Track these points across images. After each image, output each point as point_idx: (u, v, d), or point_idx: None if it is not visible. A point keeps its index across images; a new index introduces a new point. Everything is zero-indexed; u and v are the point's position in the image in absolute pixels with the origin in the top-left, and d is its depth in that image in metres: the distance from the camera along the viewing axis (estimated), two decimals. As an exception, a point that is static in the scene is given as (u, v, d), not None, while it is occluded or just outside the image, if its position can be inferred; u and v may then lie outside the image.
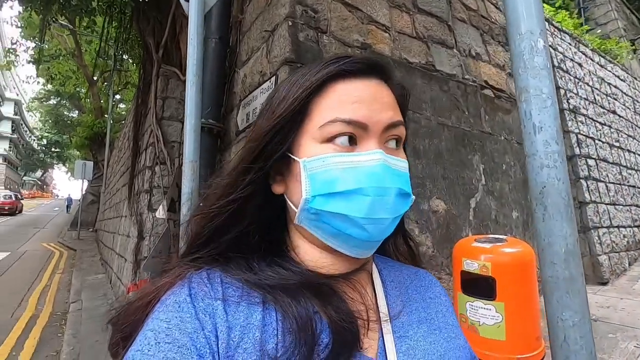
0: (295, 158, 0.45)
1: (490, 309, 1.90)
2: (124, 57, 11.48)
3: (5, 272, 6.93)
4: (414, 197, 0.48)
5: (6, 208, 20.92)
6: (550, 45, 3.91)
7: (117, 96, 15.75)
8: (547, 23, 3.94)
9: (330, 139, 0.43)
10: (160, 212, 2.43)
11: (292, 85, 0.46)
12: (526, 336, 1.88)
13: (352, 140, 0.44)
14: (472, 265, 1.97)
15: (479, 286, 1.94)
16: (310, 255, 0.48)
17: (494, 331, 1.89)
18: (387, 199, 0.43)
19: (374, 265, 0.53)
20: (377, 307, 0.48)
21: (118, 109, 18.66)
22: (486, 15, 3.78)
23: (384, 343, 0.45)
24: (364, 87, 0.45)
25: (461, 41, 3.36)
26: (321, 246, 0.47)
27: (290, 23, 2.12)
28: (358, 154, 0.43)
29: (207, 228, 0.47)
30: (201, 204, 0.52)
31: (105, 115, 14.48)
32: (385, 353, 0.44)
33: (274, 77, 2.13)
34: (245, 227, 0.47)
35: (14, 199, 22.24)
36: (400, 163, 0.46)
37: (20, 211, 23.09)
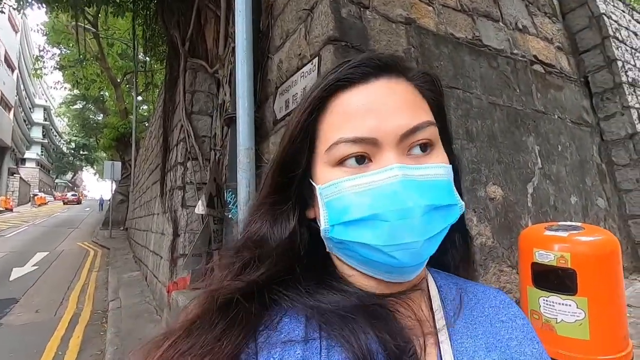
0: (314, 184, 0.41)
1: (570, 305, 1.70)
2: (145, 58, 11.65)
3: (46, 271, 7.18)
4: (462, 203, 0.41)
5: (75, 201, 36.04)
6: (603, 13, 3.56)
7: (139, 98, 16.07)
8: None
9: (340, 162, 0.39)
10: (200, 208, 2.34)
11: (299, 104, 0.43)
12: (612, 335, 1.67)
13: (364, 159, 0.38)
14: (546, 257, 1.76)
15: (555, 279, 1.74)
16: (354, 278, 0.43)
17: (575, 329, 1.69)
18: (412, 221, 0.36)
19: (431, 280, 0.47)
20: (435, 327, 0.42)
21: (141, 110, 19.05)
22: (531, -16, 3.48)
23: None
24: (370, 92, 0.40)
25: (507, 13, 3.09)
26: (361, 269, 0.43)
27: (331, -2, 1.95)
28: (372, 173, 0.38)
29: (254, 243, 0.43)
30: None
31: (130, 116, 14.78)
32: None
33: (316, 58, 1.97)
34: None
35: (77, 196, 38.65)
36: (432, 170, 0.39)
37: (80, 202, 37.45)
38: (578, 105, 3.40)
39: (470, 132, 2.35)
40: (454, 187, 0.41)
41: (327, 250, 0.44)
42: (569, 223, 1.92)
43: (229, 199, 2.18)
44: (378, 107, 0.39)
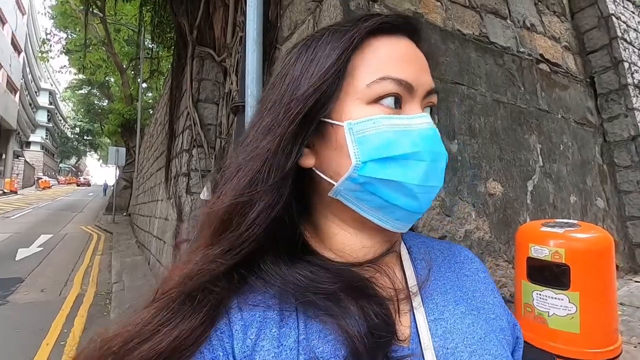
0: (337, 122, 0.40)
1: (562, 299, 1.75)
2: (150, 45, 11.62)
3: (51, 253, 7.30)
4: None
5: (86, 183, 46.44)
6: (612, 14, 3.55)
7: (144, 84, 16.09)
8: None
9: (376, 100, 0.39)
10: (205, 194, 2.39)
11: (323, 45, 0.41)
12: (603, 329, 1.72)
13: (398, 102, 0.40)
14: (541, 252, 1.81)
15: (549, 274, 1.79)
16: (338, 238, 0.43)
17: (566, 323, 1.74)
18: (440, 165, 0.40)
19: (402, 243, 0.49)
20: (408, 289, 0.43)
21: (146, 97, 19.08)
22: (541, -18, 3.46)
23: (417, 328, 0.41)
24: (406, 45, 0.41)
25: (515, 11, 3.09)
26: (354, 225, 0.43)
27: (341, -9, 1.97)
28: (411, 116, 0.40)
29: (237, 218, 0.38)
30: (225, 189, 0.41)
31: (135, 103, 14.81)
32: (419, 339, 0.40)
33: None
34: (276, 216, 0.39)
35: (87, 180, 49.73)
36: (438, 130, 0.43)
37: (90, 184, 47.17)
38: (582, 106, 3.41)
39: (473, 128, 2.38)
40: None
41: (331, 195, 0.41)
42: (565, 220, 1.96)
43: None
44: (415, 60, 0.41)
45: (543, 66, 3.15)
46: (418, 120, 0.40)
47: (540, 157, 2.78)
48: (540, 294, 1.82)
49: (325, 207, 0.44)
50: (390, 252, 0.45)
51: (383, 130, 0.38)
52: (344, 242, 0.43)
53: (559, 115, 3.11)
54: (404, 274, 0.46)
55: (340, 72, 0.39)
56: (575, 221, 1.91)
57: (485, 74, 2.59)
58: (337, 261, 0.42)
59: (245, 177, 0.39)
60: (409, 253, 0.48)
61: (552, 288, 1.76)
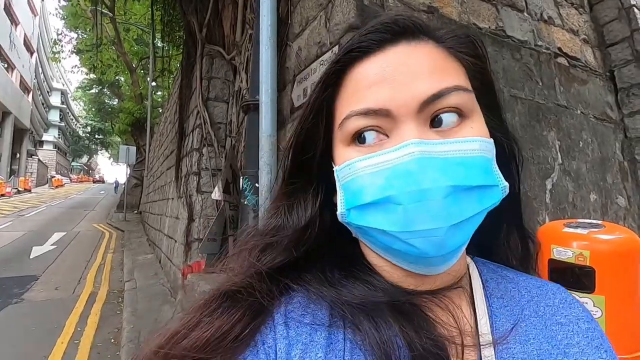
0: (333, 166, 0.39)
1: (587, 303, 1.66)
2: (159, 44, 11.68)
3: (64, 251, 7.41)
4: (505, 183, 0.35)
5: (101, 180, 51.82)
6: (634, 5, 3.42)
7: (154, 83, 16.22)
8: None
9: (353, 139, 0.36)
10: (216, 194, 2.37)
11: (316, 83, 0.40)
12: (630, 334, 1.65)
13: (379, 134, 0.35)
14: (564, 254, 1.73)
15: (572, 277, 1.72)
16: (382, 269, 0.40)
17: (591, 327, 1.67)
18: (431, 205, 0.31)
19: (475, 275, 0.41)
20: (477, 331, 0.37)
21: (155, 96, 19.23)
22: (559, -27, 3.35)
23: None
24: (385, 60, 0.36)
25: (532, 3, 3.00)
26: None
27: (354, -15, 1.92)
28: (385, 151, 0.34)
29: (278, 228, 0.42)
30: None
31: (145, 102, 14.94)
32: None
33: (336, 46, 1.96)
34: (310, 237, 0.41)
35: (102, 177, 57.34)
36: (460, 145, 0.33)
37: (104, 182, 52.33)
38: (602, 101, 3.30)
39: (490, 125, 2.31)
40: (495, 166, 0.36)
41: (354, 235, 0.41)
42: (588, 220, 1.88)
43: (245, 186, 2.21)
44: (393, 75, 0.35)
45: (561, 60, 3.05)
46: (394, 155, 0.33)
47: (559, 154, 2.69)
48: (562, 297, 1.75)
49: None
50: (453, 288, 0.38)
51: (358, 175, 0.35)
52: (390, 273, 0.39)
53: (578, 111, 3.01)
54: (475, 315, 0.38)
55: (317, 113, 0.39)
56: (599, 221, 1.84)
57: (502, 69, 2.52)
58: (392, 283, 0.38)
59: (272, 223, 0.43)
60: (483, 288, 0.41)
61: (576, 291, 1.69)
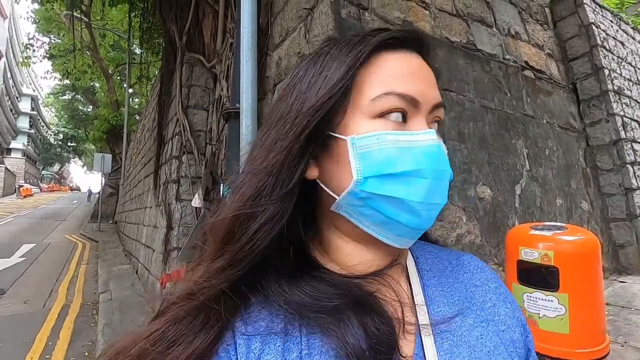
0: (341, 136, 0.40)
1: (552, 301, 1.78)
2: (137, 50, 11.49)
3: (34, 263, 7.08)
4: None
5: (76, 189, 51.88)
6: (592, 23, 3.68)
7: (130, 90, 15.88)
8: (586, -1, 3.70)
9: (381, 115, 0.39)
10: (196, 201, 2.37)
11: (330, 60, 0.41)
12: (591, 330, 1.76)
13: (403, 118, 0.40)
14: (531, 254, 1.84)
15: (539, 276, 1.83)
16: (342, 250, 0.44)
17: (556, 324, 1.78)
18: (443, 183, 0.40)
19: (409, 254, 0.48)
20: (414, 302, 0.43)
21: (132, 103, 18.80)
22: (524, -8, 3.57)
23: (422, 341, 0.40)
24: (412, 60, 0.42)
25: (500, 19, 3.18)
26: (357, 239, 0.43)
27: (332, -1, 2.00)
28: (415, 132, 0.39)
29: (240, 231, 0.39)
30: (231, 201, 0.42)
31: (122, 108, 14.59)
32: (424, 354, 0.39)
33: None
34: (280, 229, 0.39)
35: (77, 186, 57.68)
36: (444, 145, 0.43)
37: (80, 190, 51.65)
38: (566, 111, 3.51)
39: (462, 133, 2.43)
40: None
41: (333, 210, 0.42)
42: (553, 223, 2.01)
43: (226, 193, 2.22)
44: (420, 75, 0.41)
45: (528, 73, 3.24)
46: (423, 137, 0.39)
47: (527, 161, 2.84)
48: (530, 296, 1.85)
49: (328, 219, 0.44)
50: (395, 265, 0.44)
51: (386, 146, 0.38)
52: (348, 255, 0.43)
53: (544, 121, 3.20)
54: (410, 287, 0.45)
55: (346, 87, 0.40)
56: (563, 224, 1.96)
57: (473, 80, 2.65)
58: (340, 274, 0.42)
59: (250, 189, 0.40)
60: (415, 264, 0.48)
61: (542, 290, 1.79)
